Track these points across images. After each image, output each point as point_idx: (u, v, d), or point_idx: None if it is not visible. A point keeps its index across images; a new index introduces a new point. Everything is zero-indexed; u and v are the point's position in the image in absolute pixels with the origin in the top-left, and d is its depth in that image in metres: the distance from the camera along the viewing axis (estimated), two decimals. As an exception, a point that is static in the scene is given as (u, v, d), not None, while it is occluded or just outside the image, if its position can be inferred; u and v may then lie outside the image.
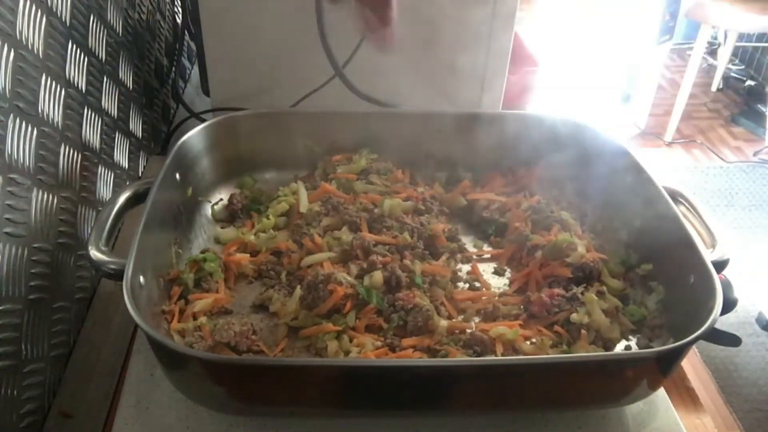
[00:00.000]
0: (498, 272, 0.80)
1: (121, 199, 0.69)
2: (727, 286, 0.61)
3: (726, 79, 3.47)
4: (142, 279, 0.62)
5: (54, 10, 0.67)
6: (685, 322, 0.62)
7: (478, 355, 0.65)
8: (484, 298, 0.74)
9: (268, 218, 0.81)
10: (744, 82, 3.44)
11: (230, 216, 0.85)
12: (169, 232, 0.73)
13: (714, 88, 3.47)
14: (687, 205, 0.74)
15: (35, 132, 0.63)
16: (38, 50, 0.64)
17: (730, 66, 3.50)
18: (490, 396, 0.60)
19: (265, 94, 1.00)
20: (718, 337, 0.66)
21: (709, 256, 0.64)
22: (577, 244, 0.75)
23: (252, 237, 0.79)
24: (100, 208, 0.81)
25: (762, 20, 2.70)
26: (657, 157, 2.95)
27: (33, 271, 0.63)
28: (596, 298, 0.69)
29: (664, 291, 0.71)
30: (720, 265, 0.65)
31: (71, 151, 0.72)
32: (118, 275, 0.59)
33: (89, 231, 0.73)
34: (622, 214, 0.81)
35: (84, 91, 0.77)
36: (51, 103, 0.67)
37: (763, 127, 3.06)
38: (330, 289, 0.67)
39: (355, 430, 0.63)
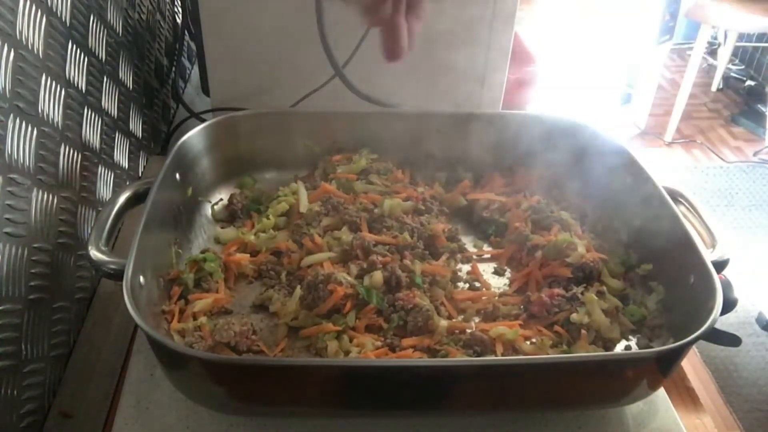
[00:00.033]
0: (498, 272, 0.80)
1: (121, 199, 0.69)
2: (727, 286, 0.61)
3: (726, 79, 3.47)
4: (142, 279, 0.62)
5: (54, 10, 0.67)
6: (685, 322, 0.62)
7: (478, 355, 0.65)
8: (484, 298, 0.74)
9: (268, 218, 0.81)
10: (744, 82, 3.44)
11: (230, 216, 0.85)
12: (169, 232, 0.73)
13: (714, 88, 3.47)
14: (687, 205, 0.74)
15: (35, 132, 0.63)
16: (38, 50, 0.64)
17: (730, 66, 3.50)
18: (490, 396, 0.60)
19: (265, 94, 1.00)
20: (718, 337, 0.66)
21: (709, 256, 0.64)
22: (577, 244, 0.75)
23: (252, 237, 0.79)
24: (100, 208, 0.81)
25: (762, 20, 2.70)
26: (657, 157, 2.95)
27: (33, 271, 0.63)
28: (596, 298, 0.69)
29: (664, 291, 0.71)
30: (720, 265, 0.65)
31: (71, 151, 0.72)
32: (118, 275, 0.59)
33: (89, 231, 0.73)
34: (622, 214, 0.81)
35: (84, 91, 0.77)
36: (51, 103, 0.67)
37: (763, 127, 3.06)
38: (330, 289, 0.67)
39: (355, 430, 0.63)
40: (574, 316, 0.68)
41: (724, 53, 3.31)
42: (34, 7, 0.62)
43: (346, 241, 0.75)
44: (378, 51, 0.54)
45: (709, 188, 2.73)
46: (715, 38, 3.52)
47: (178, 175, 0.76)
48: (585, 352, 0.66)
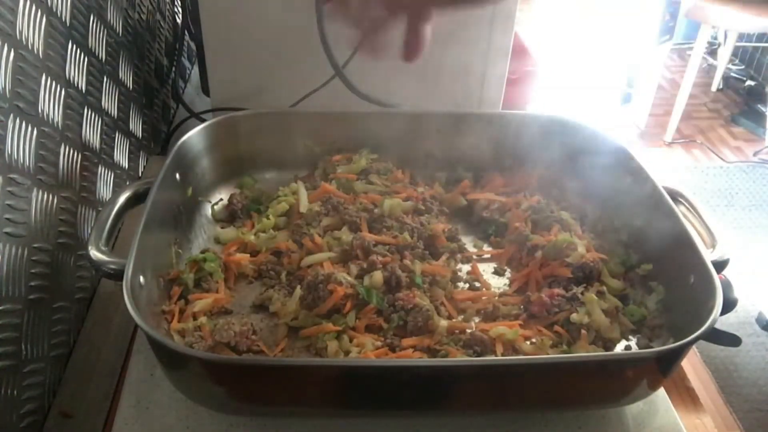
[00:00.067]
0: (498, 272, 0.80)
1: (121, 199, 0.69)
2: (727, 286, 0.61)
3: (726, 79, 3.47)
4: (142, 279, 0.62)
5: (54, 10, 0.67)
6: (685, 322, 0.62)
7: (478, 355, 0.65)
8: (484, 298, 0.74)
9: (268, 218, 0.81)
10: (744, 82, 3.44)
11: (230, 216, 0.85)
12: (169, 232, 0.73)
13: (714, 88, 3.47)
14: (687, 205, 0.74)
15: (35, 132, 0.63)
16: (38, 50, 0.64)
17: (730, 66, 3.50)
18: (490, 396, 0.60)
19: (265, 94, 1.00)
20: (718, 337, 0.66)
21: (709, 256, 0.64)
22: (577, 244, 0.75)
23: (252, 237, 0.79)
24: (100, 208, 0.81)
25: (762, 20, 2.70)
26: (657, 157, 2.95)
27: (33, 271, 0.63)
28: (596, 298, 0.69)
29: (664, 291, 0.71)
30: (720, 265, 0.65)
31: (71, 151, 0.72)
32: (118, 275, 0.59)
33: (89, 231, 0.73)
34: (622, 214, 0.81)
35: (84, 91, 0.77)
36: (51, 103, 0.67)
37: (763, 127, 3.06)
38: (330, 289, 0.67)
39: (355, 430, 0.63)
40: (574, 316, 0.68)
41: (724, 53, 3.31)
42: (34, 7, 0.62)
43: (346, 241, 0.75)
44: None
45: (709, 188, 2.73)
46: (715, 38, 3.52)
47: (178, 175, 0.76)
48: (585, 352, 0.66)
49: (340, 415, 0.63)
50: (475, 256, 0.81)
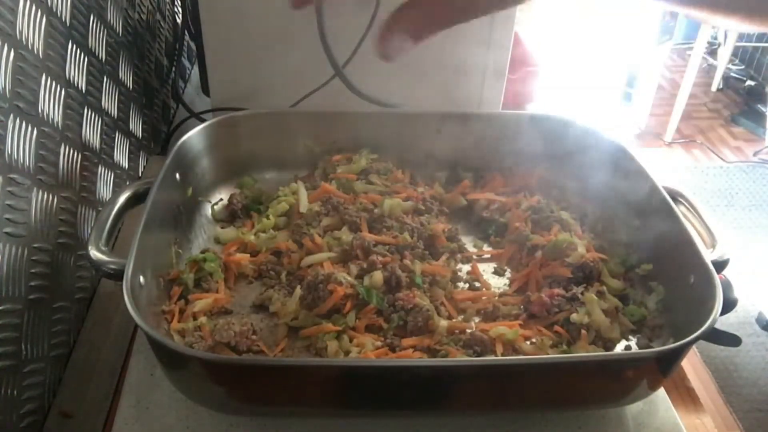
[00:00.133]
0: (498, 272, 0.80)
1: (121, 199, 0.69)
2: (727, 286, 0.61)
3: (726, 79, 3.47)
4: (142, 279, 0.62)
5: (54, 10, 0.67)
6: (685, 322, 0.62)
7: (478, 355, 0.65)
8: (484, 298, 0.74)
9: (268, 218, 0.81)
10: (744, 82, 3.44)
11: (230, 216, 0.85)
12: (169, 232, 0.73)
13: (714, 88, 3.47)
14: (687, 205, 0.74)
15: (35, 132, 0.63)
16: (38, 50, 0.64)
17: (730, 66, 3.51)
18: (490, 396, 0.60)
19: (265, 94, 1.00)
20: (718, 337, 0.66)
21: (709, 256, 0.64)
22: (577, 244, 0.75)
23: (252, 237, 0.79)
24: (100, 208, 0.81)
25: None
26: (657, 157, 2.95)
27: (33, 271, 0.63)
28: (596, 298, 0.69)
29: (664, 291, 0.71)
30: (720, 265, 0.65)
31: (71, 151, 0.72)
32: (118, 275, 0.59)
33: (89, 231, 0.73)
34: (622, 214, 0.81)
35: (84, 91, 0.77)
36: (51, 103, 0.67)
37: (763, 127, 3.06)
38: (330, 289, 0.67)
39: (355, 430, 0.63)
40: (574, 316, 0.68)
41: (724, 53, 3.31)
42: (34, 7, 0.62)
43: (346, 241, 0.75)
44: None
45: (709, 188, 2.73)
46: (715, 38, 3.52)
47: (178, 175, 0.76)
48: (585, 352, 0.66)
49: (340, 415, 0.63)
50: (475, 256, 0.81)
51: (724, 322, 0.57)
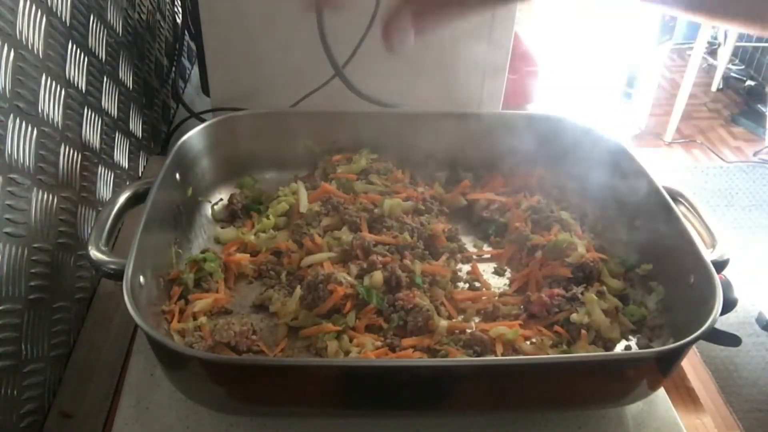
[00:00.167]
0: (498, 272, 0.80)
1: (121, 199, 0.69)
2: (727, 286, 0.61)
3: (726, 79, 3.47)
4: (142, 279, 0.62)
5: (54, 10, 0.67)
6: (685, 322, 0.62)
7: (478, 355, 0.65)
8: (484, 298, 0.74)
9: (268, 218, 0.81)
10: (744, 82, 3.44)
11: (230, 216, 0.85)
12: (169, 232, 0.73)
13: (714, 88, 3.47)
14: (687, 205, 0.74)
15: (35, 132, 0.63)
16: (38, 50, 0.64)
17: (730, 66, 3.51)
18: (490, 396, 0.60)
19: (265, 94, 1.00)
20: (718, 337, 0.66)
21: (709, 256, 0.64)
22: (577, 244, 0.75)
23: (252, 237, 0.79)
24: (100, 208, 0.81)
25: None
26: (657, 157, 2.95)
27: (33, 271, 0.63)
28: (596, 298, 0.69)
29: (664, 291, 0.71)
30: (720, 265, 0.65)
31: (71, 151, 0.72)
32: (118, 275, 0.59)
33: (89, 231, 0.73)
34: (622, 214, 0.81)
35: (84, 91, 0.77)
36: (51, 103, 0.67)
37: (763, 127, 3.06)
38: (330, 289, 0.67)
39: (355, 430, 0.63)
40: (574, 316, 0.68)
41: (724, 53, 3.31)
42: (34, 7, 0.62)
43: (346, 241, 0.75)
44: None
45: (709, 188, 2.73)
46: (715, 38, 3.52)
47: (178, 175, 0.76)
48: (585, 352, 0.66)
49: (340, 415, 0.63)
50: (475, 256, 0.81)
51: (724, 322, 0.57)
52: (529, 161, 0.89)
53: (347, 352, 0.65)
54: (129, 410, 0.63)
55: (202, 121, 0.90)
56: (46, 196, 0.66)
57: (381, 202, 0.80)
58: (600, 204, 0.84)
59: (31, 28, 0.62)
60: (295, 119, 0.91)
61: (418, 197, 0.83)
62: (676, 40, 3.23)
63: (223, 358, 0.60)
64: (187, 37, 1.24)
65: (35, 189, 0.63)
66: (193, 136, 0.81)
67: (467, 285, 0.77)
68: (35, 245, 0.64)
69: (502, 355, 0.65)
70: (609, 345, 0.68)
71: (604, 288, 0.72)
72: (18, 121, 0.60)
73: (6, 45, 0.57)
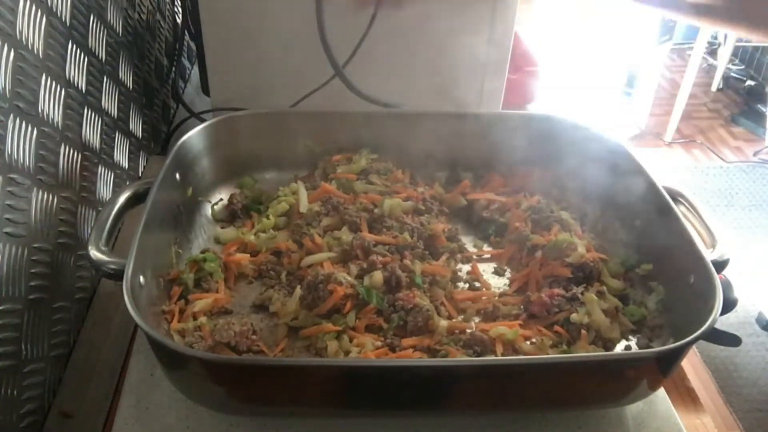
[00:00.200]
0: (498, 272, 0.80)
1: (121, 199, 0.69)
2: (727, 286, 0.61)
3: (726, 79, 3.47)
4: (142, 279, 0.62)
5: (54, 10, 0.67)
6: (685, 322, 0.62)
7: (478, 355, 0.65)
8: (484, 298, 0.74)
9: (268, 218, 0.81)
10: (744, 82, 3.44)
11: (230, 216, 0.85)
12: (169, 232, 0.73)
13: (714, 88, 3.47)
14: (687, 205, 0.74)
15: (35, 132, 0.63)
16: (38, 50, 0.64)
17: (730, 66, 3.50)
18: (490, 396, 0.60)
19: (265, 94, 1.00)
20: (718, 337, 0.66)
21: (709, 256, 0.64)
22: (577, 244, 0.75)
23: (252, 237, 0.79)
24: (100, 208, 0.81)
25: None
26: (657, 157, 2.95)
27: (33, 271, 0.63)
28: (596, 298, 0.69)
29: (664, 291, 0.71)
30: (720, 265, 0.65)
31: (71, 151, 0.72)
32: (118, 275, 0.59)
33: (89, 231, 0.73)
34: (622, 214, 0.81)
35: (84, 91, 0.77)
36: (51, 103, 0.67)
37: (763, 127, 3.06)
38: (330, 289, 0.67)
39: (355, 430, 0.63)
40: (574, 316, 0.68)
41: (724, 53, 3.31)
42: (34, 7, 0.62)
43: (346, 241, 0.75)
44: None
45: (709, 188, 2.73)
46: (715, 38, 3.52)
47: (178, 175, 0.76)
48: (585, 352, 0.66)
49: (340, 415, 0.63)
50: (475, 256, 0.81)
51: (724, 322, 0.57)
52: (530, 161, 0.89)
53: (347, 352, 0.65)
54: (129, 410, 0.63)
55: (202, 121, 0.90)
56: (46, 196, 0.66)
57: (381, 202, 0.80)
58: (600, 204, 0.84)
59: (31, 28, 0.62)
60: (295, 119, 0.91)
61: (418, 197, 0.83)
62: (676, 40, 3.23)
63: (223, 358, 0.60)
64: (187, 37, 1.24)
65: (35, 189, 0.63)
66: (193, 136, 0.81)
67: (467, 285, 0.77)
68: (35, 245, 0.64)
69: (502, 355, 0.65)
70: (609, 345, 0.68)
71: (604, 288, 0.72)
72: (18, 121, 0.60)
73: (6, 45, 0.57)
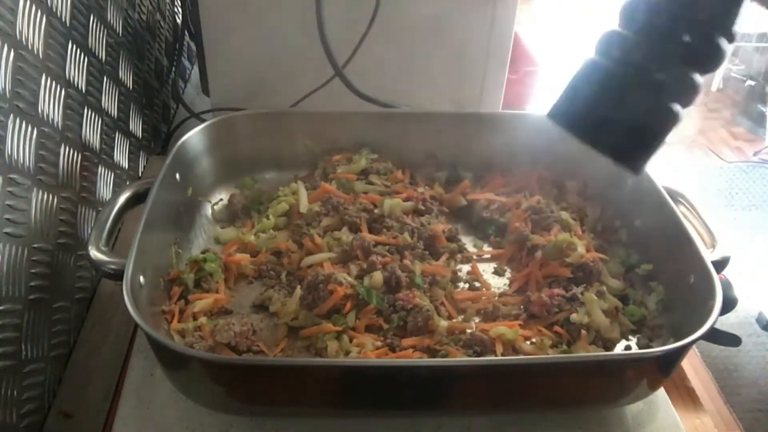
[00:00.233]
0: (498, 272, 0.80)
1: (121, 199, 0.69)
2: (727, 286, 0.61)
3: (726, 79, 3.47)
4: (142, 279, 0.62)
5: (54, 10, 0.67)
6: (685, 322, 0.62)
7: (478, 355, 0.65)
8: (484, 298, 0.74)
9: (268, 218, 0.81)
10: (744, 82, 3.44)
11: (230, 216, 0.85)
12: (169, 232, 0.73)
13: (714, 88, 3.47)
14: (687, 205, 0.74)
15: (35, 132, 0.63)
16: (38, 50, 0.64)
17: (730, 66, 3.50)
18: (490, 396, 0.60)
19: (265, 94, 1.00)
20: (718, 337, 0.66)
21: (709, 256, 0.64)
22: (577, 244, 0.75)
23: (252, 237, 0.79)
24: (100, 208, 0.81)
25: (762, 20, 2.69)
26: (657, 157, 2.95)
27: (33, 271, 0.63)
28: (596, 298, 0.69)
29: (664, 291, 0.71)
30: (720, 265, 0.65)
31: (71, 151, 0.72)
32: (118, 275, 0.59)
33: (89, 231, 0.73)
34: (622, 214, 0.81)
35: (84, 91, 0.77)
36: (51, 103, 0.67)
37: (763, 127, 3.06)
38: (330, 290, 0.67)
39: (355, 430, 0.63)
40: (574, 316, 0.68)
41: (724, 53, 3.30)
42: (34, 7, 0.62)
43: (346, 241, 0.75)
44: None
45: (709, 188, 2.73)
46: (715, 38, 3.51)
47: (178, 175, 0.76)
48: (585, 352, 0.66)
49: (340, 415, 0.63)
50: (475, 256, 0.81)
51: (724, 322, 0.57)
52: (530, 161, 0.89)
53: (347, 352, 0.65)
54: (129, 410, 0.63)
55: (202, 121, 0.90)
56: (46, 196, 0.66)
57: (381, 202, 0.80)
58: (600, 204, 0.84)
59: (31, 28, 0.62)
60: (295, 119, 0.91)
61: (418, 197, 0.83)
62: (676, 40, 3.22)
63: (223, 358, 0.60)
64: (187, 37, 1.24)
65: (35, 189, 0.63)
66: (193, 136, 0.81)
67: (467, 285, 0.77)
68: (35, 245, 0.64)
69: (502, 355, 0.65)
70: (609, 345, 0.68)
71: (604, 288, 0.72)
72: (18, 121, 0.60)
73: (6, 45, 0.57)
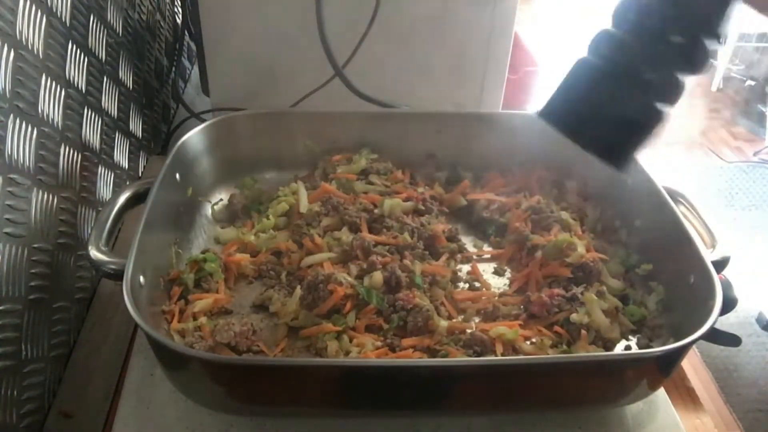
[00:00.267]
0: (498, 272, 0.80)
1: (121, 199, 0.69)
2: (727, 286, 0.61)
3: (726, 79, 3.47)
4: (142, 279, 0.62)
5: (54, 10, 0.67)
6: (685, 322, 0.62)
7: (478, 355, 0.65)
8: (484, 298, 0.74)
9: (268, 218, 0.81)
10: (744, 82, 3.44)
11: (230, 216, 0.85)
12: (169, 232, 0.73)
13: (714, 88, 3.47)
14: (687, 205, 0.74)
15: (35, 132, 0.63)
16: (38, 50, 0.64)
17: (730, 66, 3.50)
18: (490, 396, 0.60)
19: (265, 94, 1.00)
20: (718, 337, 0.66)
21: (709, 256, 0.64)
22: (577, 244, 0.75)
23: (252, 237, 0.79)
24: (100, 208, 0.81)
25: (762, 20, 2.69)
26: (657, 157, 2.95)
27: (33, 271, 0.63)
28: (596, 298, 0.69)
29: (664, 291, 0.71)
30: (720, 265, 0.65)
31: (71, 151, 0.72)
32: (118, 275, 0.59)
33: (89, 231, 0.73)
34: (622, 214, 0.81)
35: (84, 91, 0.77)
36: (51, 103, 0.67)
37: (763, 127, 3.06)
38: (330, 290, 0.67)
39: (355, 430, 0.63)
40: (574, 316, 0.68)
41: (724, 53, 3.31)
42: (34, 7, 0.62)
43: (346, 241, 0.75)
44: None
45: (709, 188, 2.73)
46: (715, 38, 3.51)
47: (178, 175, 0.76)
48: (585, 352, 0.66)
49: (340, 415, 0.63)
50: (475, 256, 0.81)
51: (724, 322, 0.57)
52: (530, 161, 0.89)
53: (347, 352, 0.65)
54: (129, 410, 0.63)
55: (202, 121, 0.90)
56: (46, 196, 0.66)
57: (381, 202, 0.80)
58: (600, 204, 0.84)
59: (31, 28, 0.62)
60: (295, 119, 0.91)
61: (418, 197, 0.83)
62: (676, 40, 3.22)
63: (223, 358, 0.60)
64: (187, 37, 1.24)
65: (35, 189, 0.63)
66: (193, 136, 0.81)
67: (467, 285, 0.77)
68: (35, 245, 0.64)
69: (502, 355, 0.65)
70: (609, 345, 0.68)
71: (604, 288, 0.72)
72: (18, 121, 0.60)
73: (6, 45, 0.57)
